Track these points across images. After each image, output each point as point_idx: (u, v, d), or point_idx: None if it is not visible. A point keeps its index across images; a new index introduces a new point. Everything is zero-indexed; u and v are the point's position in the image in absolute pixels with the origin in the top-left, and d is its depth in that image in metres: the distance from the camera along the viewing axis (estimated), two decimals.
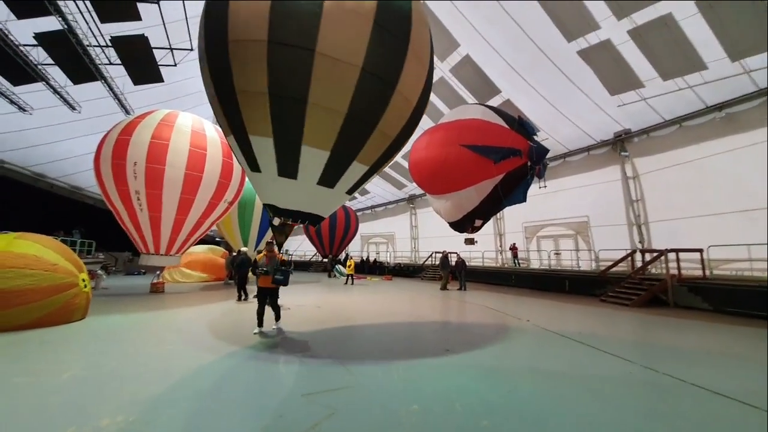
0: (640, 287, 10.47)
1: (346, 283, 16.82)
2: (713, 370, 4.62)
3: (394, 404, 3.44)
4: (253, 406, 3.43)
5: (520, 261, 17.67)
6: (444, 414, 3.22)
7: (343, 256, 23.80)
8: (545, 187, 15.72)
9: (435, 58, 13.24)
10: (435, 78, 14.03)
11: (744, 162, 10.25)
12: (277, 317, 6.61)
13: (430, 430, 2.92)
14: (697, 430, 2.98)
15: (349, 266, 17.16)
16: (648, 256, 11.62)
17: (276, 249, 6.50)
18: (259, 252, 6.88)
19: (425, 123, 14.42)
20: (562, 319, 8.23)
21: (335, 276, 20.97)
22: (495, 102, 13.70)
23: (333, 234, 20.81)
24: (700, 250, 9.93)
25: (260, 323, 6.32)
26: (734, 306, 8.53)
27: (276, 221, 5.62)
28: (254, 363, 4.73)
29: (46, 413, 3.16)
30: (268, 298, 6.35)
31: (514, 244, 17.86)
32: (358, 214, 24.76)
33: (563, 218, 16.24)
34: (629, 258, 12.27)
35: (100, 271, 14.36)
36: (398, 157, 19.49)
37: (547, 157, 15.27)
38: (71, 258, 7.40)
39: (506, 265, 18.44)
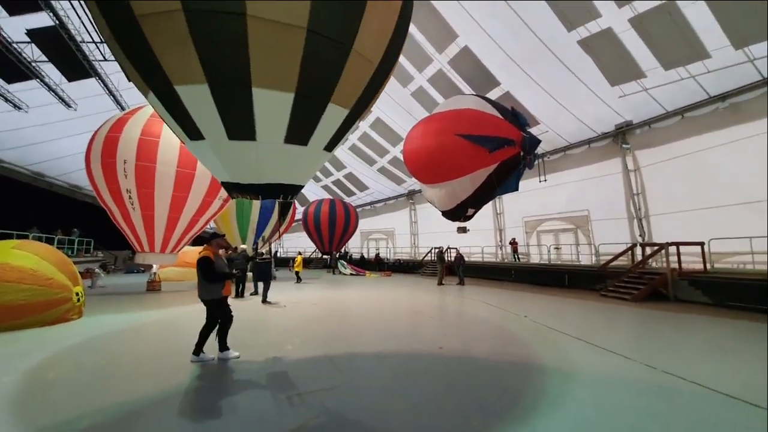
0: (641, 281, 10.32)
1: (297, 282, 15.56)
2: (713, 366, 4.49)
3: (383, 404, 3.35)
4: (238, 406, 3.35)
5: (520, 256, 17.53)
6: (435, 415, 3.12)
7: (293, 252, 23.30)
8: (545, 180, 15.64)
9: (433, 50, 13.20)
10: (433, 71, 13.88)
11: (748, 153, 10.01)
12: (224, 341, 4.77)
13: (418, 429, 2.82)
14: (693, 430, 2.87)
15: (297, 263, 16.06)
16: (648, 250, 11.45)
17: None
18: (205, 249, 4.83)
19: (420, 113, 14.29)
20: (560, 315, 8.11)
21: (339, 272, 20.98)
22: (494, 94, 13.48)
23: (333, 230, 20.74)
24: (701, 244, 9.75)
25: (202, 347, 4.57)
26: (735, 300, 8.37)
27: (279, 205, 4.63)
28: (240, 361, 4.65)
29: (27, 414, 3.09)
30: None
31: (514, 238, 17.71)
32: (358, 210, 24.64)
33: (564, 212, 16.05)
34: (629, 252, 12.11)
35: (98, 270, 14.42)
36: (397, 152, 19.38)
37: (548, 150, 15.29)
38: (67, 270, 7.32)
39: (506, 260, 18.30)
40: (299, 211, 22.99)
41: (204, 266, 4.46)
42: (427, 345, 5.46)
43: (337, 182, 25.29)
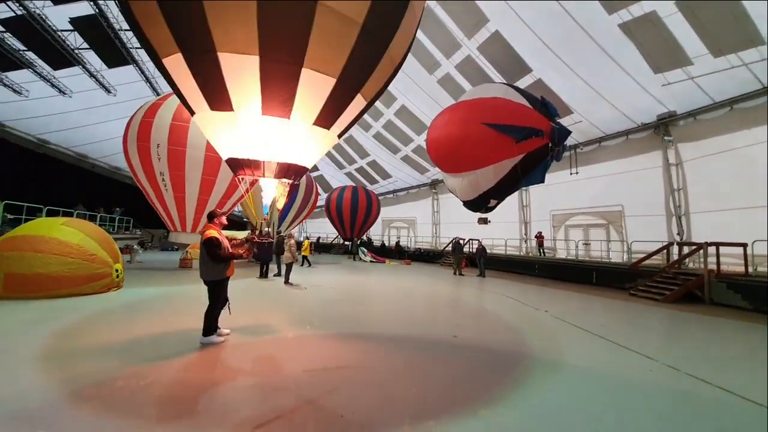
0: (674, 282, 9.79)
1: (302, 265, 15.46)
2: (745, 373, 4.25)
3: (393, 387, 3.42)
4: (258, 376, 3.53)
5: (545, 250, 17.04)
6: (442, 400, 3.16)
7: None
8: (577, 173, 14.98)
9: (462, 35, 12.77)
10: (461, 57, 13.48)
11: None
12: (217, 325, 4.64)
13: (424, 415, 2.86)
14: None
15: (305, 248, 16.17)
16: (686, 250, 10.81)
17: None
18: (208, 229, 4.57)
19: (446, 101, 13.96)
20: (584, 312, 7.88)
21: (359, 259, 21.26)
22: (525, 82, 12.95)
23: (354, 217, 20.93)
24: (744, 245, 9.09)
25: (212, 327, 4.52)
26: None
27: (272, 186, 4.43)
28: (263, 336, 4.87)
29: (74, 374, 3.38)
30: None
31: (540, 232, 17.19)
32: (380, 198, 24.67)
33: (595, 207, 15.36)
34: (665, 251, 11.48)
35: (136, 247, 15.34)
36: (421, 141, 19.14)
37: (581, 141, 14.61)
38: (110, 248, 7.81)
39: (530, 254, 17.85)
40: (322, 197, 23.32)
41: (210, 246, 4.28)
42: (442, 334, 5.48)
43: (360, 170, 25.36)
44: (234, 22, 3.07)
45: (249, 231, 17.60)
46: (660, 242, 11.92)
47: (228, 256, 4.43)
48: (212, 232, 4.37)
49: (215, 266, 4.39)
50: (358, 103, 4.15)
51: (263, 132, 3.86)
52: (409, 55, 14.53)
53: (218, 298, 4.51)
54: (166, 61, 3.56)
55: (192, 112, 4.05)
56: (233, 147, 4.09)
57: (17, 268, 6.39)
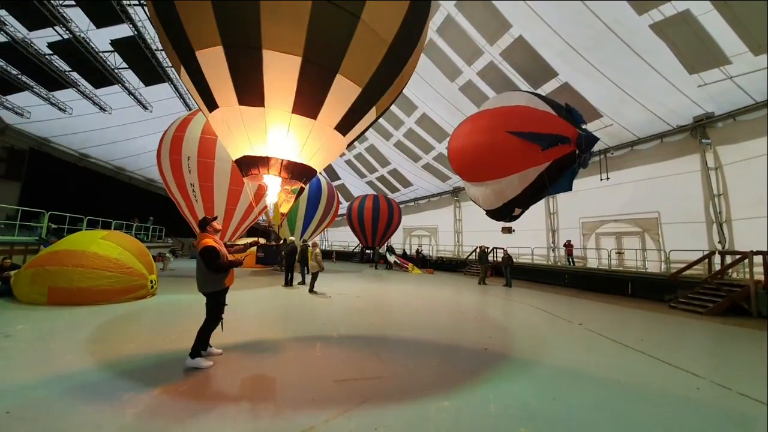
0: (718, 293, 9.19)
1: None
2: None
3: (424, 398, 3.35)
4: (289, 385, 3.55)
5: (575, 259, 16.43)
6: (477, 414, 3.06)
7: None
8: (608, 179, 14.48)
9: (484, 42, 12.71)
10: (483, 63, 13.40)
11: None
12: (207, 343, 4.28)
13: (459, 429, 2.78)
14: None
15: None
16: (729, 259, 10.14)
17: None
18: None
19: (468, 109, 13.85)
20: (620, 325, 7.50)
21: (384, 266, 21.41)
22: (551, 86, 12.70)
23: (376, 226, 20.96)
24: None
25: (203, 346, 4.18)
26: None
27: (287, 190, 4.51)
28: (292, 345, 4.90)
29: (111, 379, 3.52)
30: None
31: (569, 241, 16.61)
32: (401, 206, 24.62)
33: (628, 213, 14.69)
34: (706, 260, 10.81)
35: (168, 254, 15.92)
36: (442, 149, 19.06)
37: (612, 145, 14.10)
38: (145, 260, 8.16)
39: (559, 263, 17.25)
40: (343, 205, 23.52)
41: (209, 256, 3.96)
42: (472, 345, 5.35)
43: (381, 178, 25.47)
44: (285, 22, 3.26)
45: (273, 235, 17.92)
46: (700, 251, 11.26)
47: (227, 264, 4.10)
48: (208, 241, 4.05)
49: (214, 277, 4.07)
50: (371, 115, 4.43)
51: (289, 130, 3.95)
52: (430, 63, 14.52)
53: (218, 312, 4.19)
54: (201, 53, 3.57)
55: (213, 107, 3.97)
56: (250, 144, 4.08)
57: (60, 282, 6.71)
